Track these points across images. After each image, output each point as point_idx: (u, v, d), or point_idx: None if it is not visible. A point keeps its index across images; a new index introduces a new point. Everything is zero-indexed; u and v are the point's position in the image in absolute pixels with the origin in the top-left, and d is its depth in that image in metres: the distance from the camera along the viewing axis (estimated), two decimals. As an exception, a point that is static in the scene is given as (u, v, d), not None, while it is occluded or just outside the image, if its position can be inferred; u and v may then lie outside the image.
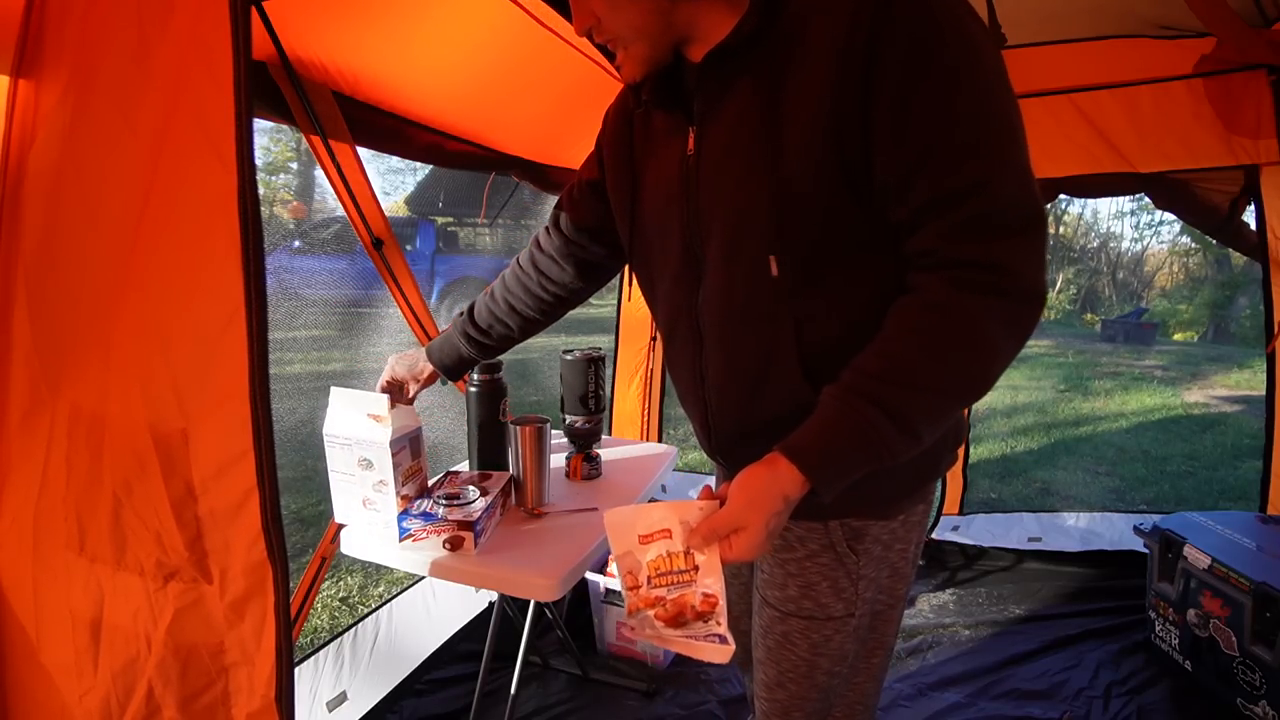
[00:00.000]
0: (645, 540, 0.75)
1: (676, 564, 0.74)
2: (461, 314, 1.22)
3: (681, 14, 0.76)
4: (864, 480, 0.74)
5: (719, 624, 0.73)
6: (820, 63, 0.69)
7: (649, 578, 0.75)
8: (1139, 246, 15.13)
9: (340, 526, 1.27)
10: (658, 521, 0.74)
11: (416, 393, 1.26)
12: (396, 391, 1.24)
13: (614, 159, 0.98)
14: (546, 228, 1.18)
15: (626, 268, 1.06)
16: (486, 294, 1.21)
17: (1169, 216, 11.58)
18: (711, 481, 0.81)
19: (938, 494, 0.86)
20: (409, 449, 1.25)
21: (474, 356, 1.22)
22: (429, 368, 1.24)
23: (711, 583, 0.73)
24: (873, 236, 0.73)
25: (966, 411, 0.89)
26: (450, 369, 1.23)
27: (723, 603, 0.74)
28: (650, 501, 0.83)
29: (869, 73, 0.66)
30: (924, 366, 0.68)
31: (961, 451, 0.93)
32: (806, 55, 0.71)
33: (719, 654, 0.72)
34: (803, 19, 0.72)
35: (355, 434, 1.19)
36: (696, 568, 0.73)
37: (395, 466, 1.20)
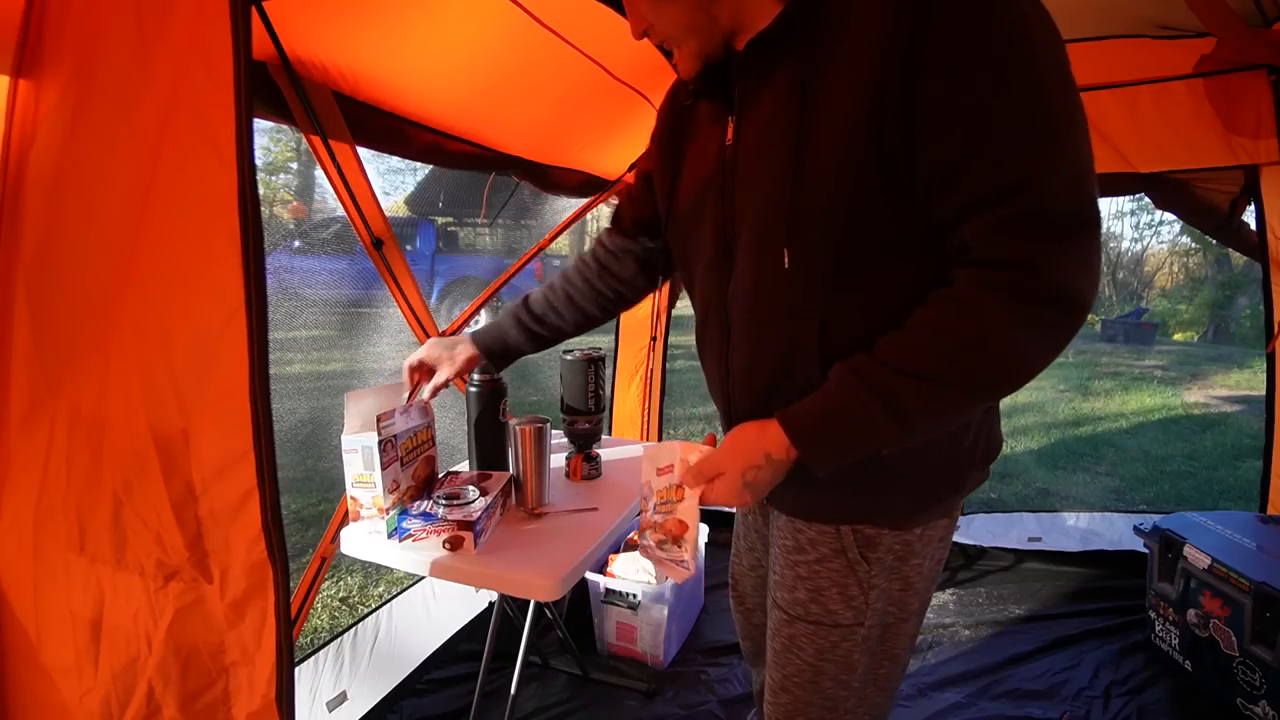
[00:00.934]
0: (661, 472, 0.87)
1: (671, 495, 0.85)
2: (515, 303, 1.24)
3: (723, 8, 0.77)
4: (878, 487, 0.77)
5: (684, 550, 0.86)
6: (860, 52, 0.67)
7: (655, 504, 0.87)
8: (1139, 246, 15.13)
9: (340, 527, 1.27)
10: (668, 456, 0.86)
11: (449, 378, 1.24)
12: (425, 374, 1.23)
13: (660, 149, 0.99)
14: (609, 226, 1.20)
15: None
16: (546, 285, 1.23)
17: (1169, 216, 11.56)
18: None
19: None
20: (405, 444, 1.25)
21: (521, 344, 1.22)
22: (469, 350, 1.23)
23: (685, 512, 0.84)
24: (902, 239, 0.71)
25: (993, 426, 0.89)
26: (494, 353, 1.22)
27: (690, 533, 0.85)
28: (675, 441, 0.90)
29: (910, 64, 0.64)
30: (929, 356, 0.67)
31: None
32: (847, 43, 0.69)
33: (678, 574, 0.86)
34: (848, 5, 0.70)
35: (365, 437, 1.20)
36: (683, 499, 0.84)
37: (385, 465, 1.20)
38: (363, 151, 1.46)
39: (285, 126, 1.28)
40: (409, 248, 7.93)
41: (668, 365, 3.06)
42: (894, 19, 0.65)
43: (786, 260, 0.74)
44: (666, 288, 2.93)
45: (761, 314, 0.81)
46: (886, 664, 0.91)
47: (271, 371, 0.79)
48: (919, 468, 0.80)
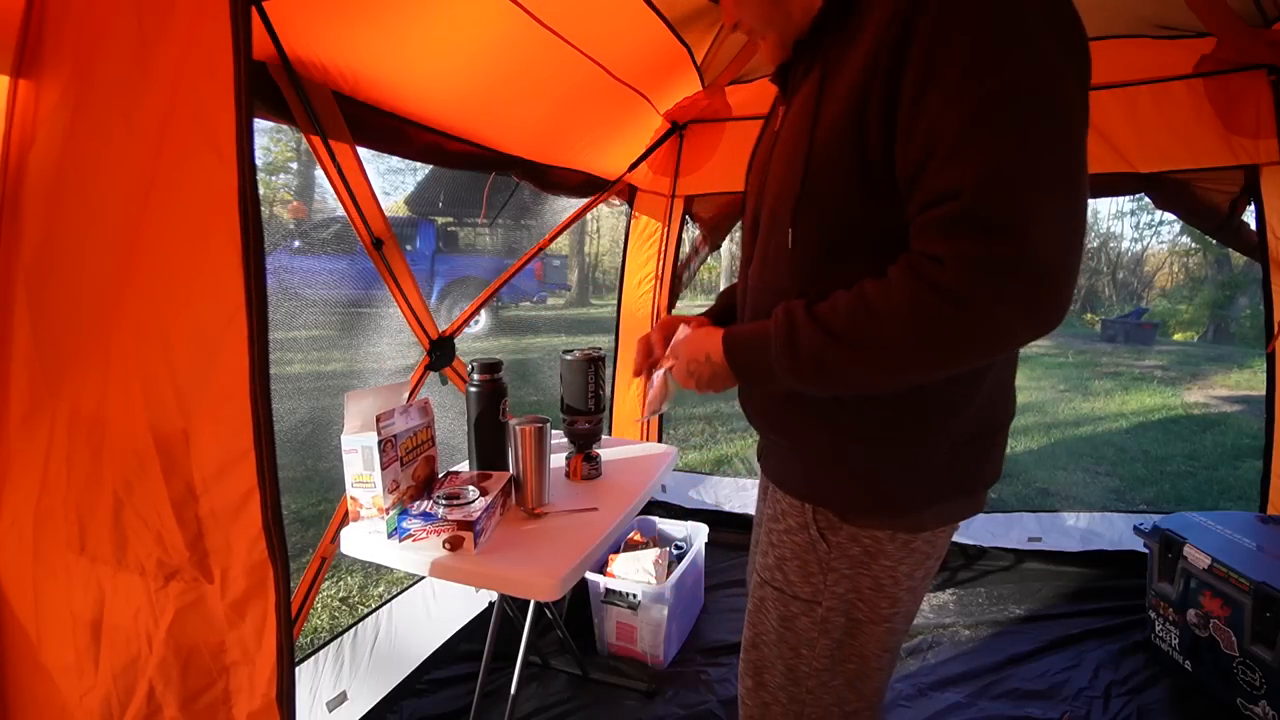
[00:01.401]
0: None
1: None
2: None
3: (795, 2, 0.83)
4: (840, 475, 0.84)
5: (641, 405, 1.08)
6: (862, 50, 0.71)
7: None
8: (1139, 246, 15.13)
9: (340, 527, 1.27)
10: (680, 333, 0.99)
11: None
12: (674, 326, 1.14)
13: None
14: None
15: (624, 270, 1.06)
16: None
17: (1169, 216, 11.57)
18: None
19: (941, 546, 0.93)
20: (404, 444, 1.25)
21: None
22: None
23: (654, 379, 1.04)
24: (885, 236, 0.73)
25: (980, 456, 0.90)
26: (720, 319, 1.13)
27: (646, 395, 1.06)
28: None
29: (896, 65, 0.67)
30: (838, 312, 0.72)
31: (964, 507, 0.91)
32: (859, 41, 0.73)
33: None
34: (870, 5, 0.73)
35: (365, 437, 1.20)
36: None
37: (385, 465, 1.20)
38: (363, 151, 1.46)
39: (285, 126, 1.28)
40: (409, 248, 7.93)
41: (668, 365, 3.06)
42: (890, 21, 0.68)
43: (790, 242, 0.80)
44: (667, 288, 2.93)
45: (766, 290, 0.87)
46: (855, 661, 0.92)
47: (271, 371, 0.79)
48: (878, 468, 0.83)
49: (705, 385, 0.90)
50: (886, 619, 0.90)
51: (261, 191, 0.79)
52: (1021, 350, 0.88)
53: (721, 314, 1.15)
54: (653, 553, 2.03)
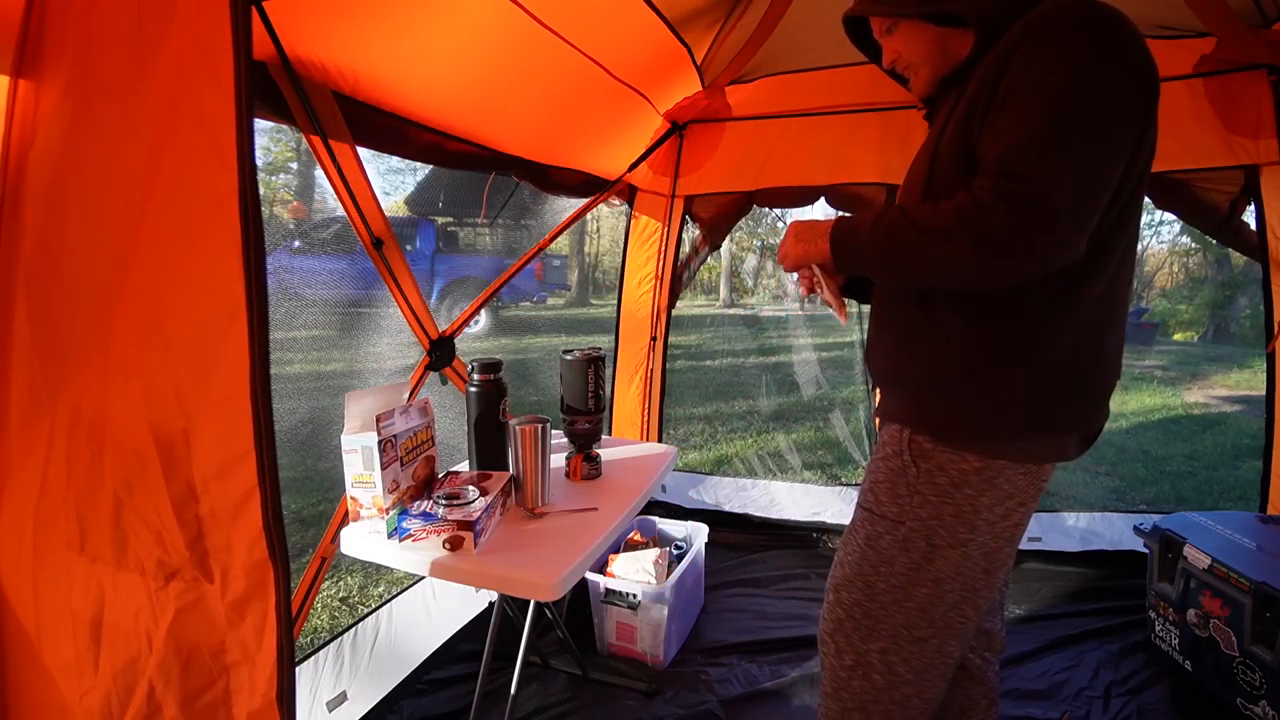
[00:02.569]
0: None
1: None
2: None
3: (954, 44, 1.02)
4: (934, 395, 1.00)
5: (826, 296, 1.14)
6: (980, 72, 0.93)
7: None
8: (1139, 246, 15.11)
9: (340, 527, 1.27)
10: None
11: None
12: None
13: None
14: None
15: (624, 270, 1.10)
16: None
17: (1169, 216, 11.56)
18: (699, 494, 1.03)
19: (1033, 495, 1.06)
20: (404, 444, 1.25)
21: None
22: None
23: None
24: None
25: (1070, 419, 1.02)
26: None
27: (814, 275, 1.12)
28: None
29: (997, 80, 0.89)
30: (915, 209, 0.92)
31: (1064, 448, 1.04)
32: (982, 71, 0.93)
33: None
34: (999, 45, 0.92)
35: (365, 437, 1.20)
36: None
37: (385, 465, 1.20)
38: (363, 151, 1.46)
39: (285, 126, 1.28)
40: (409, 248, 7.93)
41: (668, 365, 3.06)
42: (1006, 44, 0.90)
43: None
44: (667, 288, 2.93)
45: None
46: (929, 585, 1.03)
47: (272, 371, 0.79)
48: (969, 396, 0.98)
49: (802, 247, 1.05)
50: (963, 543, 1.01)
51: (261, 191, 0.79)
52: None
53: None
54: (653, 553, 2.03)
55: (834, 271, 1.06)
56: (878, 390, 1.21)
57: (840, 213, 2.56)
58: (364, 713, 1.72)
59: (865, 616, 1.07)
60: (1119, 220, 0.92)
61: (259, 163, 0.78)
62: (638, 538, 2.28)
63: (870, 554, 1.06)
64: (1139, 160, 0.91)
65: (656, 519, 2.41)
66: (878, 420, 1.18)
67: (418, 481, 1.32)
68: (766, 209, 2.92)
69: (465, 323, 1.96)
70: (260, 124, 1.11)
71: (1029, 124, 0.84)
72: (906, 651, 1.06)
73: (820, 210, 2.99)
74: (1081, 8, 0.87)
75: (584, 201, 2.42)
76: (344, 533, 1.24)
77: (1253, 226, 2.16)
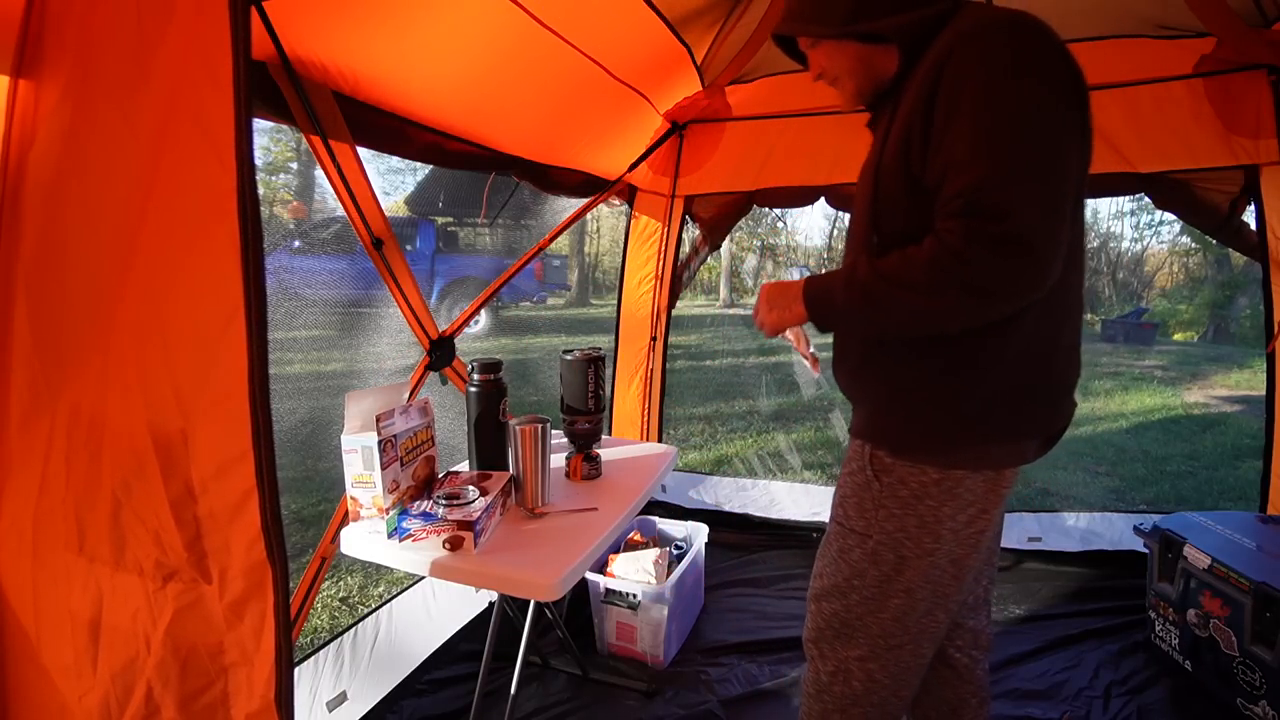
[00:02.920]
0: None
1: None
2: None
3: (879, 60, 1.03)
4: (888, 411, 1.03)
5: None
6: (912, 93, 0.93)
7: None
8: (1139, 246, 15.10)
9: (340, 527, 1.27)
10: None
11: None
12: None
13: None
14: None
15: (624, 270, 1.12)
16: None
17: (1169, 216, 11.57)
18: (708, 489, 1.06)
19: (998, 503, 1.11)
20: (403, 444, 1.25)
21: None
22: None
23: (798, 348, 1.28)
24: (927, 228, 0.91)
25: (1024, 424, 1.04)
26: None
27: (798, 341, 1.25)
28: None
29: (931, 100, 0.89)
30: (888, 263, 0.92)
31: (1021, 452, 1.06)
32: (910, 86, 0.95)
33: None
34: (922, 60, 0.94)
35: (365, 437, 1.19)
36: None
37: (385, 465, 1.20)
38: (363, 151, 1.46)
39: (285, 126, 1.28)
40: (409, 248, 7.93)
41: (668, 365, 3.06)
42: (930, 69, 0.90)
43: (869, 234, 1.02)
44: (667, 288, 2.93)
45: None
46: (901, 596, 1.07)
47: (271, 371, 0.79)
48: (922, 411, 1.00)
49: (773, 318, 1.08)
50: (929, 553, 1.04)
51: (261, 191, 0.79)
52: None
53: None
54: (653, 553, 2.03)
55: (823, 329, 1.06)
56: None
57: (840, 213, 2.55)
58: (364, 713, 1.72)
59: (843, 626, 1.12)
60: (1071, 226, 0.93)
61: (259, 163, 0.78)
62: (638, 538, 2.28)
63: (843, 567, 1.10)
64: (1083, 166, 0.92)
65: (656, 519, 2.41)
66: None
67: (418, 481, 1.32)
68: (766, 209, 2.92)
69: (465, 323, 1.96)
70: (260, 124, 1.11)
71: (985, 155, 0.84)
72: (884, 658, 1.11)
73: (820, 210, 2.98)
74: (1006, 23, 0.88)
75: (584, 201, 2.42)
76: (344, 533, 1.24)
77: (1253, 226, 2.16)
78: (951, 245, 0.84)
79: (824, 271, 1.06)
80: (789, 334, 1.19)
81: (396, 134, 1.54)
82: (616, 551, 2.13)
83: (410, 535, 1.18)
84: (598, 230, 14.94)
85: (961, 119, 0.86)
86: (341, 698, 1.67)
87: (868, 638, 1.11)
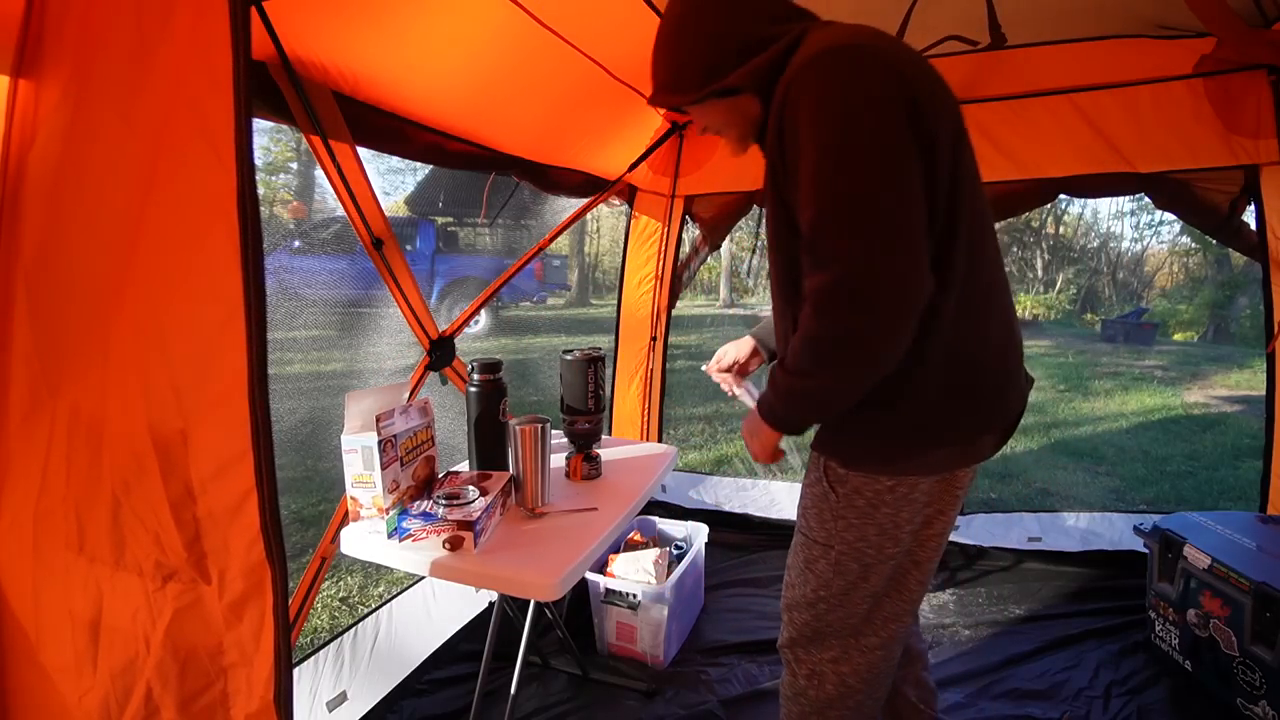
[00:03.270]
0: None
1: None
2: None
3: (745, 107, 1.07)
4: (835, 429, 1.06)
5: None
6: (771, 131, 0.98)
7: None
8: (1139, 246, 15.12)
9: (340, 527, 1.27)
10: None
11: (756, 367, 1.47)
12: (737, 373, 1.44)
13: None
14: None
15: (624, 270, 1.12)
16: None
17: (1169, 216, 11.57)
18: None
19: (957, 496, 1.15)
20: (404, 444, 1.25)
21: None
22: (752, 342, 1.44)
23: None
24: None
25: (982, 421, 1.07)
26: (769, 345, 1.43)
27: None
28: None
29: (780, 145, 0.96)
30: (790, 356, 0.97)
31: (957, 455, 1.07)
32: (771, 125, 0.98)
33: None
34: (775, 98, 0.98)
35: (365, 437, 1.19)
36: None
37: (385, 465, 1.20)
38: (363, 151, 1.46)
39: (285, 126, 1.28)
40: (409, 248, 7.93)
41: (668, 365, 3.06)
42: (773, 117, 0.96)
43: (776, 270, 1.08)
44: (667, 288, 2.93)
45: (775, 299, 1.14)
46: (867, 601, 1.12)
47: (271, 371, 0.79)
48: (865, 425, 1.03)
49: (757, 445, 1.12)
50: (890, 557, 1.09)
51: (261, 191, 0.79)
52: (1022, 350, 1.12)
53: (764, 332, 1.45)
54: (653, 553, 2.03)
55: (796, 433, 1.08)
56: None
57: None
58: (364, 713, 1.72)
59: (815, 634, 1.16)
60: (949, 229, 0.94)
61: (259, 163, 0.78)
62: (638, 538, 2.28)
63: (810, 578, 1.14)
64: (942, 170, 0.92)
65: (656, 519, 2.41)
66: None
67: (418, 481, 1.32)
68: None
69: (465, 323, 1.96)
70: (260, 124, 1.11)
71: (813, 197, 0.88)
72: (855, 661, 1.16)
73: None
74: (829, 54, 0.91)
75: (584, 201, 2.42)
76: (344, 533, 1.24)
77: (1253, 226, 2.16)
78: (809, 328, 0.91)
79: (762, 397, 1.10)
80: (736, 392, 1.38)
81: (396, 134, 1.54)
82: (616, 551, 2.13)
83: (410, 535, 1.18)
84: (598, 230, 14.95)
85: (802, 158, 0.90)
86: (341, 698, 1.67)
87: (839, 641, 1.15)
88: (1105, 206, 14.90)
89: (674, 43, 1.08)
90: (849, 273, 0.86)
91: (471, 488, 1.27)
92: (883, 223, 0.86)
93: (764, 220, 1.11)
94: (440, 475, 1.39)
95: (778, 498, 2.96)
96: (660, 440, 3.08)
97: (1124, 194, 2.83)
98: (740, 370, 1.43)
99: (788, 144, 0.93)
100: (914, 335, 0.91)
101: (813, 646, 1.17)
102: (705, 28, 1.05)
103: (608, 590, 1.98)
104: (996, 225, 1.12)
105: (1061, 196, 2.36)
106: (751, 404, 1.25)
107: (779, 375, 1.00)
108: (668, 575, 1.98)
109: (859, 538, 1.08)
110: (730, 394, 1.42)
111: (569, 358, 1.52)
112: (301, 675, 1.61)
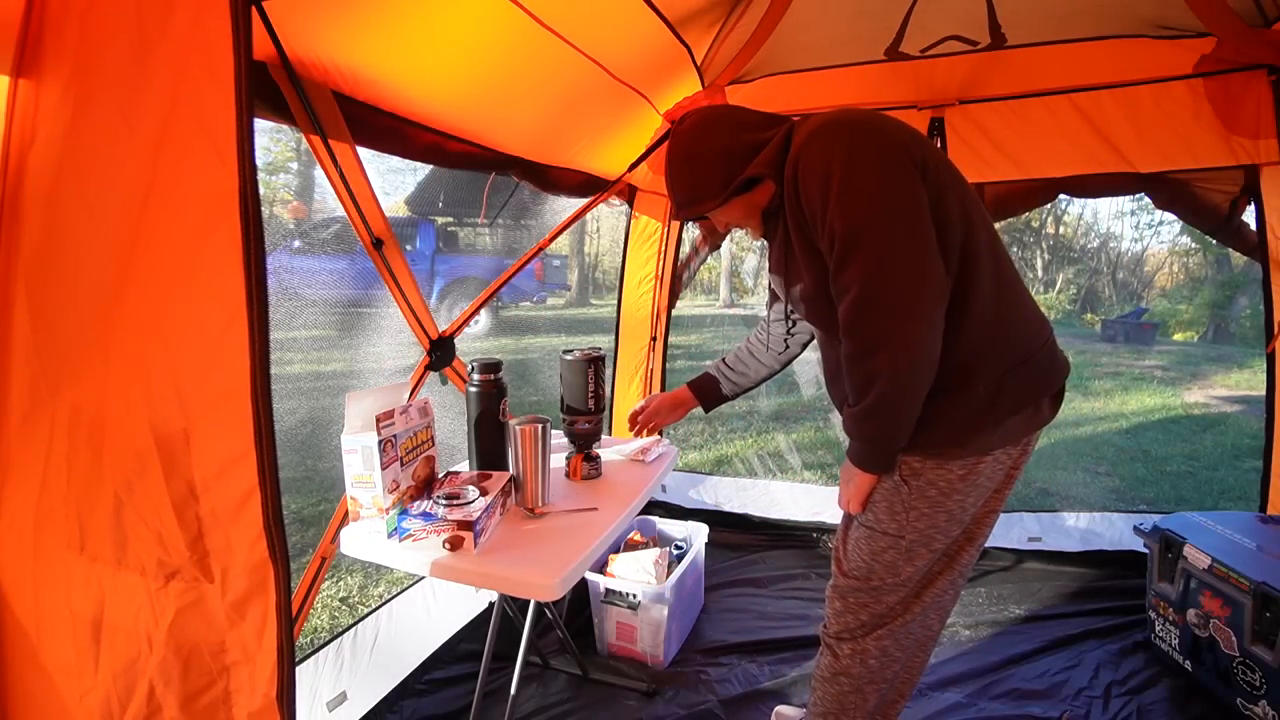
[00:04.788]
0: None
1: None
2: (716, 361, 1.69)
3: (760, 196, 1.22)
4: (917, 425, 1.13)
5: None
6: (789, 197, 1.14)
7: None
8: (1139, 246, 15.12)
9: (340, 527, 1.27)
10: None
11: (671, 420, 1.71)
12: (651, 416, 1.68)
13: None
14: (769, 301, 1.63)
15: (624, 270, 1.18)
16: (736, 347, 1.68)
17: (1169, 216, 11.54)
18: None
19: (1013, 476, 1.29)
20: (404, 444, 1.25)
21: (724, 392, 1.65)
22: (687, 394, 1.66)
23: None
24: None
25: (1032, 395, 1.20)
26: (707, 397, 1.66)
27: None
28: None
29: (796, 197, 1.11)
30: (857, 400, 1.11)
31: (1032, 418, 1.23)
32: (788, 193, 1.14)
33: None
34: (785, 173, 1.14)
35: (365, 437, 1.20)
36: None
37: (385, 465, 1.20)
38: (363, 151, 1.46)
39: (285, 126, 1.28)
40: (409, 248, 7.93)
41: (668, 365, 3.06)
42: (784, 181, 1.14)
43: (825, 322, 1.22)
44: (667, 288, 2.93)
45: (830, 350, 1.29)
46: (931, 584, 1.25)
47: (272, 371, 0.79)
48: (940, 413, 1.12)
49: (853, 489, 1.22)
50: (954, 539, 1.22)
51: (261, 191, 0.79)
52: None
53: (712, 399, 1.66)
54: (653, 553, 2.03)
55: (888, 468, 1.18)
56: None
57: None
58: (364, 713, 1.72)
59: (872, 618, 1.25)
60: (968, 233, 1.09)
61: (259, 163, 0.78)
62: (638, 538, 2.28)
63: (878, 567, 1.22)
64: (946, 196, 1.07)
65: (656, 519, 2.41)
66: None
67: (418, 481, 1.32)
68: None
69: (465, 323, 1.96)
70: (260, 124, 1.11)
71: (844, 266, 1.04)
72: (898, 634, 1.25)
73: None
74: (821, 128, 1.09)
75: (584, 201, 2.42)
76: (344, 533, 1.24)
77: (1253, 226, 2.16)
78: (847, 350, 1.08)
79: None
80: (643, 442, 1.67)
81: (396, 134, 1.54)
82: (616, 551, 2.13)
83: (410, 535, 1.18)
84: (598, 230, 14.95)
85: (829, 201, 1.04)
86: (341, 698, 1.67)
87: (895, 623, 1.25)
88: (1105, 206, 14.92)
89: (693, 162, 1.23)
90: (863, 286, 1.01)
91: (471, 488, 1.27)
92: (917, 255, 1.01)
93: (787, 277, 1.26)
94: (440, 475, 1.39)
95: (778, 498, 2.96)
96: (660, 436, 3.08)
97: (1124, 194, 2.82)
98: (655, 426, 1.66)
99: (802, 192, 1.09)
100: (957, 321, 1.06)
101: (863, 632, 1.25)
102: (716, 144, 1.20)
103: (608, 590, 1.98)
104: (996, 225, 1.22)
105: (1061, 196, 2.36)
106: (649, 459, 1.56)
107: (847, 411, 1.12)
108: (668, 575, 1.98)
109: (930, 525, 1.18)
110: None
111: (569, 358, 1.52)
112: (301, 675, 1.61)
